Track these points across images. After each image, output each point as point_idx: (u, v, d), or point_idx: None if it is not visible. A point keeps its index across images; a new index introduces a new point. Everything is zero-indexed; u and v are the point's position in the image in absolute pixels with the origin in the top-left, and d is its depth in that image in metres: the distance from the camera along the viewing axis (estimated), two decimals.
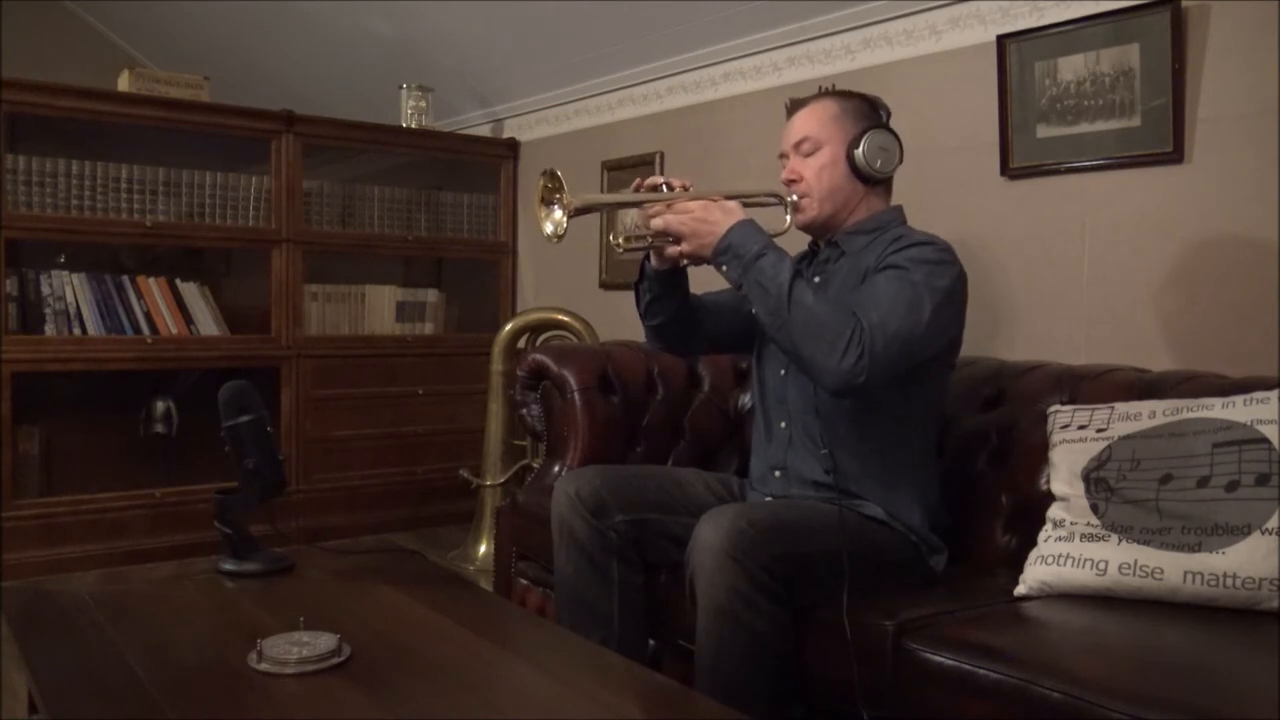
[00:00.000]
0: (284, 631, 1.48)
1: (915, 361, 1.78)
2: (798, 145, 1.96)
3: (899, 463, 1.88)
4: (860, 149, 1.91)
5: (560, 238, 1.76)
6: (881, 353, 1.68)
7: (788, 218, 1.95)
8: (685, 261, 1.86)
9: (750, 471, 2.09)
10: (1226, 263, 2.12)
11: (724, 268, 1.79)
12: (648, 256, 1.95)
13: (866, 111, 1.97)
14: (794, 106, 2.02)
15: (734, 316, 2.06)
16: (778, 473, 1.96)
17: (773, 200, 1.96)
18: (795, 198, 1.95)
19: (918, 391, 1.86)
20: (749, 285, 1.76)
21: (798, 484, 1.92)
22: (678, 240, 1.80)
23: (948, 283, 1.80)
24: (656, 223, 1.81)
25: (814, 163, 1.94)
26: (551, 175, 1.78)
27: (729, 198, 1.83)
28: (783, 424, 1.96)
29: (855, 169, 1.93)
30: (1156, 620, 1.56)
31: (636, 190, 1.88)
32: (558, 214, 1.77)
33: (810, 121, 1.96)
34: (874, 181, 1.95)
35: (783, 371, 1.97)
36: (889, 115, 1.99)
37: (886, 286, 1.77)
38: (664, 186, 1.87)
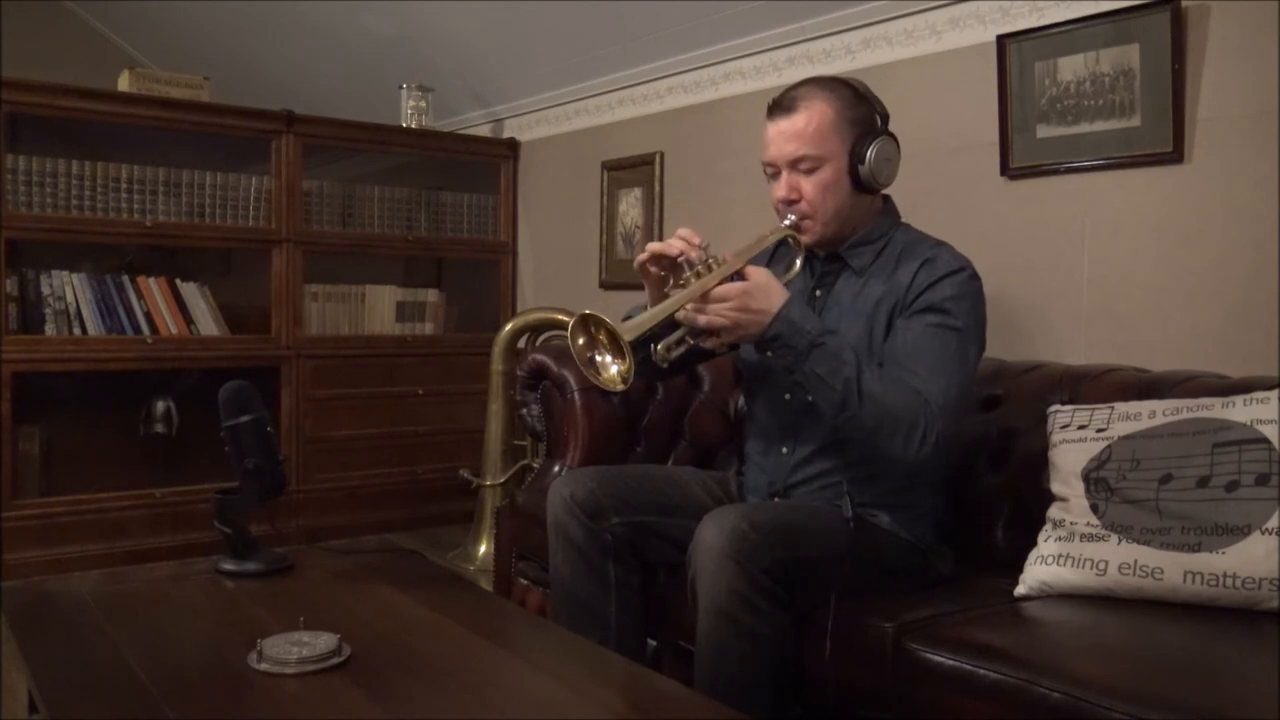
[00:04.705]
0: (284, 631, 1.48)
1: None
2: (795, 164, 1.82)
3: (916, 482, 1.85)
4: (866, 163, 1.81)
5: (630, 381, 1.63)
6: (949, 426, 1.70)
7: (798, 261, 1.87)
8: (725, 350, 1.83)
9: (746, 475, 2.05)
10: (1226, 263, 2.12)
11: (770, 353, 1.73)
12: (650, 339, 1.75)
13: (861, 112, 1.84)
14: (778, 110, 1.85)
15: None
16: (778, 500, 1.92)
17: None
18: (794, 219, 1.85)
19: None
20: (804, 375, 1.70)
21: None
22: (718, 332, 1.72)
23: (980, 313, 1.82)
24: (701, 320, 1.68)
25: (816, 180, 1.82)
26: (583, 328, 1.63)
27: (751, 262, 1.73)
28: (785, 450, 1.92)
29: (858, 182, 1.83)
30: (1156, 620, 1.56)
31: (642, 266, 1.78)
32: (613, 367, 1.64)
33: (806, 134, 1.81)
34: (874, 190, 1.88)
35: (788, 396, 1.90)
36: (885, 116, 1.89)
37: (932, 343, 1.74)
38: (685, 264, 1.71)
